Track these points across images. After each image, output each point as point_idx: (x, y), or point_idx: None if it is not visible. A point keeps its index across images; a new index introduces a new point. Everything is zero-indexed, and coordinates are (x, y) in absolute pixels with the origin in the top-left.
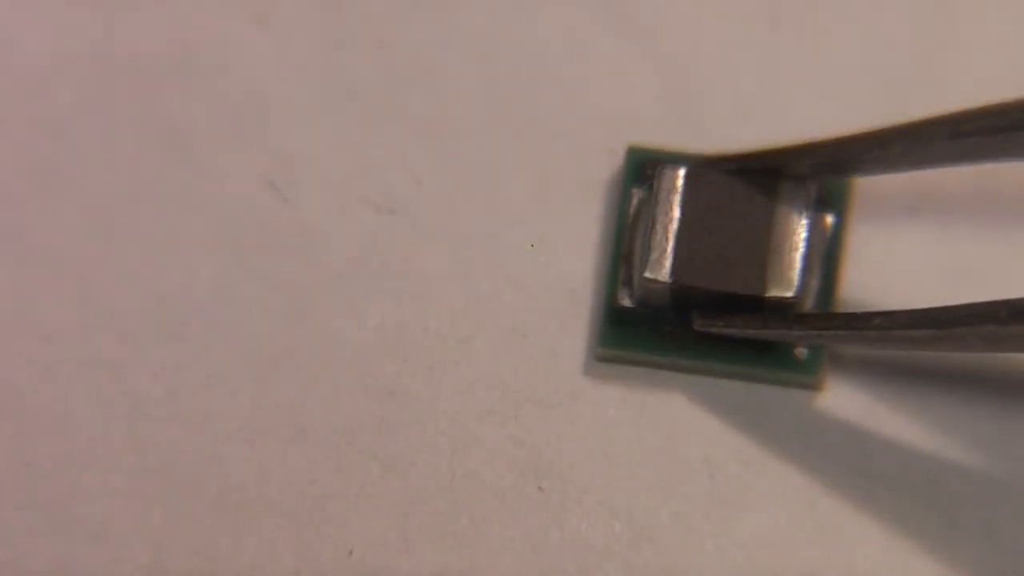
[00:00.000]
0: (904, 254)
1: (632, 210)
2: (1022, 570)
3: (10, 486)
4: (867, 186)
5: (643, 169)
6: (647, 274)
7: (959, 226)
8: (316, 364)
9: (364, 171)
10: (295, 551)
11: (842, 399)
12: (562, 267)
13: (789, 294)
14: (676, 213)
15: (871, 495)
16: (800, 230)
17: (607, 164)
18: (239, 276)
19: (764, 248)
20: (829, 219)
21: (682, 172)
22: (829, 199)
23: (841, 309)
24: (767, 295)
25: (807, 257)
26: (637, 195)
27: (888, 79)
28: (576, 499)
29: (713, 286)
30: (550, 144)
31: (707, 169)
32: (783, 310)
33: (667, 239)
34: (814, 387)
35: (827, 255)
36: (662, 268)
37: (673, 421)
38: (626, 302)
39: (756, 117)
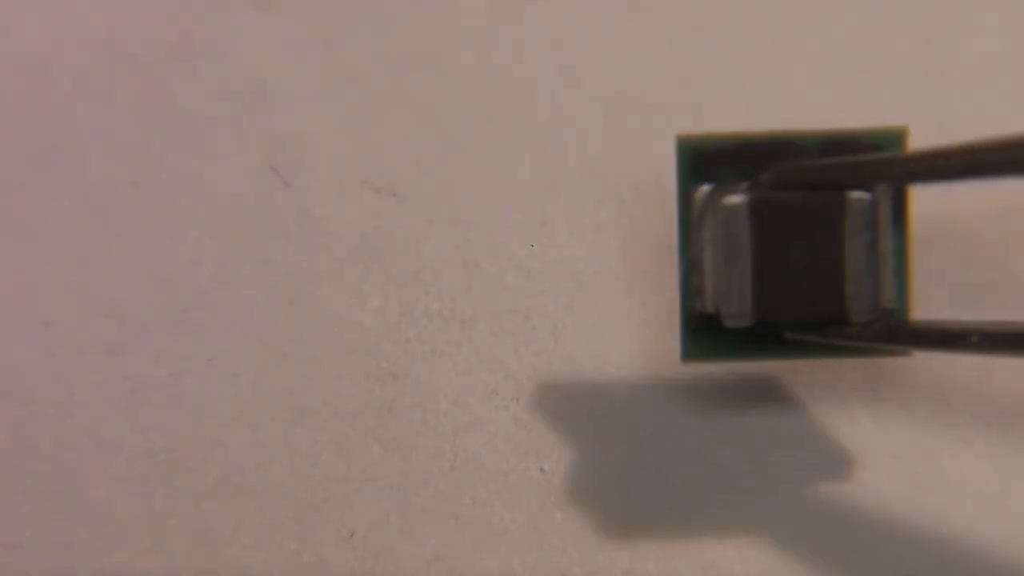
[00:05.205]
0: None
1: (696, 210)
2: None
3: (12, 470)
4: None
5: (697, 160)
6: (730, 323)
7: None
8: (317, 347)
9: (365, 155)
10: (297, 533)
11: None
12: (563, 249)
13: (870, 314)
14: (747, 249)
15: (867, 480)
16: (871, 243)
17: (608, 147)
18: (240, 260)
19: (840, 268)
20: (886, 216)
21: (745, 202)
22: (886, 198)
23: (917, 297)
24: (850, 320)
25: (879, 267)
26: (697, 191)
27: (891, 63)
28: (578, 481)
29: (796, 319)
30: (551, 127)
31: (770, 194)
32: (868, 324)
33: (742, 280)
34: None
35: (899, 257)
36: (744, 312)
37: (673, 406)
38: (703, 310)
39: (759, 102)
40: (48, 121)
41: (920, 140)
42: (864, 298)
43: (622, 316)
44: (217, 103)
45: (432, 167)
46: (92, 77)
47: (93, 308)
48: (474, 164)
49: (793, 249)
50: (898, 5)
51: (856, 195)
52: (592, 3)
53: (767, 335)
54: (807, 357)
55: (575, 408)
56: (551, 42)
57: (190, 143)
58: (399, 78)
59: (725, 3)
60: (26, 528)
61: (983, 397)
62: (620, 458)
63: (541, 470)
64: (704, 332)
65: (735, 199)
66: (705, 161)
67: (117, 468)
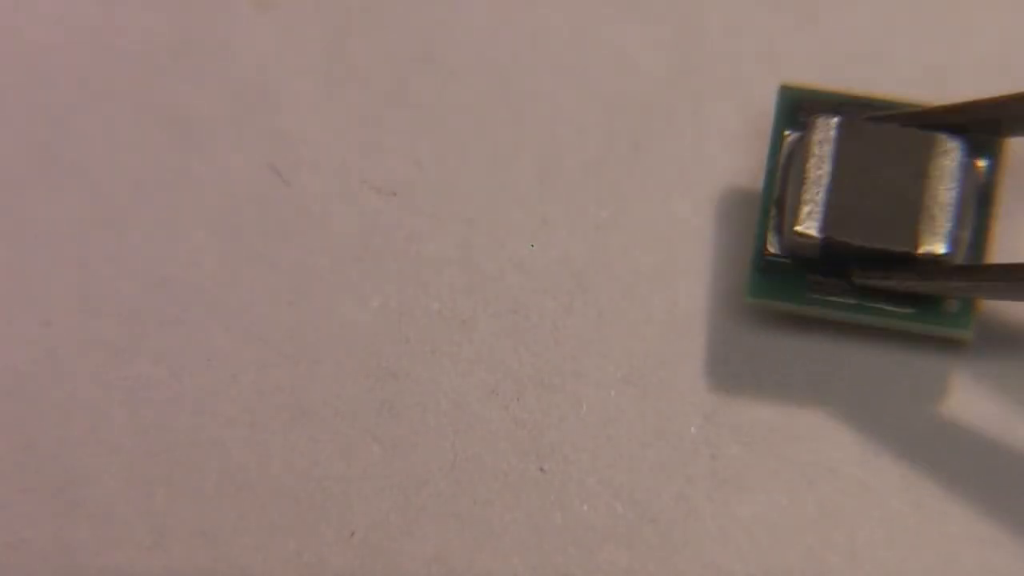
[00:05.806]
0: None
1: (784, 153)
2: None
3: (12, 469)
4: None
5: (795, 111)
6: (797, 228)
7: None
8: (318, 346)
9: (365, 154)
10: (297, 533)
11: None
12: (564, 248)
13: (941, 251)
14: (828, 166)
15: (870, 476)
16: (952, 184)
17: (608, 146)
18: (240, 259)
19: (916, 203)
20: (982, 167)
21: (835, 123)
22: (981, 149)
23: (995, 259)
24: (919, 252)
25: (959, 212)
26: (789, 137)
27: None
28: (578, 480)
29: (864, 242)
30: (551, 126)
31: (861, 120)
32: (937, 265)
33: (818, 193)
34: (963, 341)
35: (979, 206)
36: (813, 223)
37: (675, 407)
38: (774, 249)
39: (759, 102)
40: (48, 121)
41: None
42: (936, 235)
43: (622, 316)
44: (217, 103)
45: (432, 167)
46: (92, 77)
47: (93, 308)
48: (474, 164)
49: (874, 176)
50: (899, 5)
51: (947, 136)
52: (592, 3)
53: (836, 280)
54: (873, 312)
55: (575, 408)
56: (551, 42)
57: (190, 143)
58: (399, 78)
59: (725, 3)
60: (26, 528)
61: None
62: (621, 458)
63: (541, 470)
64: (773, 274)
65: (826, 121)
66: (802, 110)
67: (117, 467)
